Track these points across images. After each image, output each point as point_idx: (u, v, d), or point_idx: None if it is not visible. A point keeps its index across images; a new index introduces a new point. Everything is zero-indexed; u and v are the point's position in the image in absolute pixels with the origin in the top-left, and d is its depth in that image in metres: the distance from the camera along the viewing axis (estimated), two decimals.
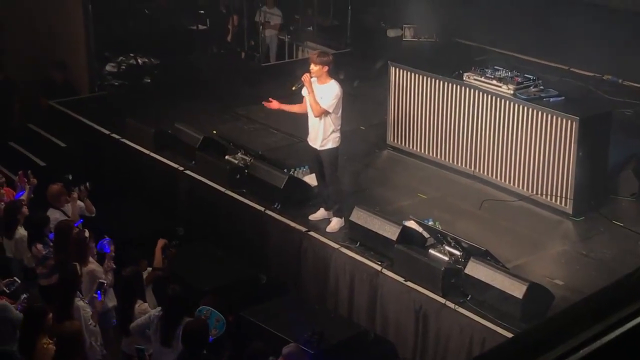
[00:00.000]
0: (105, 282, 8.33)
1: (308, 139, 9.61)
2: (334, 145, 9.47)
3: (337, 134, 9.44)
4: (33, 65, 14.07)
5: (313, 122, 9.44)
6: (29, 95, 13.86)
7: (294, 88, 9.56)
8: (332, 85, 9.36)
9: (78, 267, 7.97)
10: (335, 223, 9.65)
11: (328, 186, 9.67)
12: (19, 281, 8.34)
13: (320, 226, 9.73)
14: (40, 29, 14.17)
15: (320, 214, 9.89)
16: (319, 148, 9.47)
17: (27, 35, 14.08)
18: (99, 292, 8.17)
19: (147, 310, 8.04)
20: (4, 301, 7.79)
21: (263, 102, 10.09)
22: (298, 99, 9.71)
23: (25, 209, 9.39)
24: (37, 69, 14.10)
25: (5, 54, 14.04)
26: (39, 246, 8.84)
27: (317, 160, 9.63)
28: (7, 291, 8.13)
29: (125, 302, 8.15)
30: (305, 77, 9.29)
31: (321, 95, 9.25)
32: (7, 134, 13.60)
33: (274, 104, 9.90)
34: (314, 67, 9.28)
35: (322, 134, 9.38)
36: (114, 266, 8.60)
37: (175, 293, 7.85)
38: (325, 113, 9.29)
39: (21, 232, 9.25)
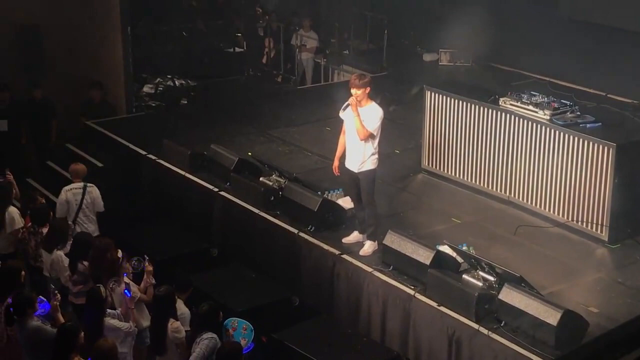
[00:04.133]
0: (131, 282, 8.41)
1: (346, 162, 9.59)
2: (373, 167, 9.45)
3: (376, 156, 9.43)
4: (72, 86, 14.25)
5: (353, 145, 9.41)
6: (67, 115, 14.04)
7: (343, 114, 9.50)
8: (375, 107, 9.36)
9: (102, 289, 8.03)
10: (369, 247, 9.64)
11: (364, 208, 9.66)
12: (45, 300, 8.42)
13: (353, 249, 9.72)
14: (80, 50, 14.37)
15: (354, 237, 9.88)
16: (357, 170, 9.46)
17: (66, 56, 14.29)
18: (126, 290, 8.24)
19: (179, 328, 8.08)
20: (38, 322, 7.86)
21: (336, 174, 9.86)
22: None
23: (70, 229, 9.55)
24: (75, 90, 14.28)
25: (44, 74, 14.24)
26: (86, 263, 8.96)
27: (354, 182, 9.62)
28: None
29: (159, 321, 8.19)
30: (352, 102, 9.25)
31: (364, 118, 9.25)
32: (45, 153, 13.77)
33: (337, 166, 9.73)
34: (357, 92, 9.23)
35: (362, 156, 9.37)
36: (154, 281, 8.66)
37: (203, 311, 7.91)
38: (371, 136, 9.29)
39: (59, 252, 9.38)
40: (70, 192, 10.52)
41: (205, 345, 7.67)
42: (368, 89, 9.27)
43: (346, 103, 9.33)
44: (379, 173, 9.87)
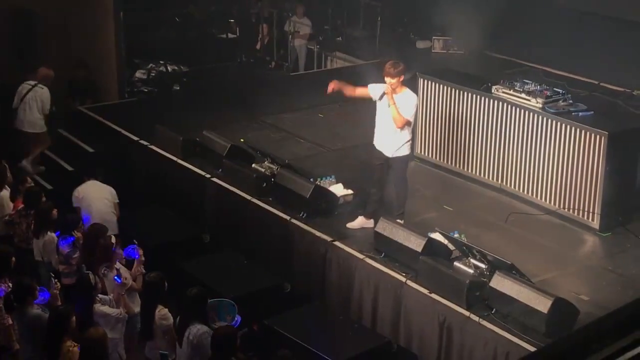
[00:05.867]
0: (121, 267, 8.40)
1: (375, 143, 9.58)
2: (407, 152, 9.54)
3: (410, 142, 9.52)
4: (65, 72, 14.20)
5: (387, 131, 9.40)
6: (59, 100, 13.98)
7: (377, 100, 9.49)
8: (409, 94, 9.39)
9: (92, 276, 8.02)
10: (357, 222, 9.69)
11: (396, 189, 9.70)
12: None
13: (356, 233, 9.75)
14: (73, 36, 14.31)
15: (358, 222, 9.90)
16: (391, 155, 9.48)
17: (59, 41, 14.23)
18: (116, 277, 8.24)
19: (167, 315, 8.07)
20: (39, 311, 7.85)
21: (327, 91, 9.79)
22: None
23: (54, 212, 9.52)
24: (68, 75, 14.23)
25: (38, 59, 14.17)
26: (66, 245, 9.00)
27: (382, 165, 9.62)
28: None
29: (147, 306, 8.20)
30: (387, 90, 9.25)
31: (400, 105, 9.26)
32: None
33: (333, 85, 9.68)
34: (391, 80, 9.23)
35: (397, 143, 9.40)
36: (144, 271, 8.65)
37: (192, 295, 7.89)
38: (407, 123, 9.30)
39: (50, 234, 9.37)
40: (23, 85, 12.65)
41: (208, 343, 7.58)
42: (402, 77, 9.29)
43: (381, 92, 9.32)
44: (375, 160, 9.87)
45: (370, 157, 9.86)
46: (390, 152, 9.48)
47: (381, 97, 9.37)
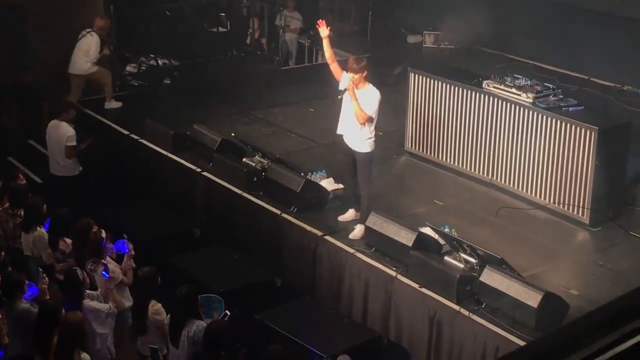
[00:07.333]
0: (108, 263, 8.38)
1: (343, 136, 9.56)
2: (370, 150, 9.48)
3: (373, 139, 9.45)
4: (57, 67, 14.12)
5: (351, 125, 9.39)
6: (55, 96, 13.91)
7: (340, 97, 9.48)
8: (372, 90, 9.36)
9: (79, 272, 8.00)
10: (359, 230, 9.58)
11: (361, 189, 9.66)
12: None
13: (347, 227, 9.73)
14: (63, 30, 14.24)
15: (350, 215, 9.89)
16: (355, 150, 9.48)
17: (50, 36, 14.16)
18: (104, 272, 8.22)
19: (160, 310, 8.07)
20: (27, 305, 7.83)
21: (318, 23, 10.03)
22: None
23: (44, 207, 9.48)
24: (60, 70, 14.16)
25: (27, 55, 14.11)
26: (68, 241, 8.94)
27: (351, 158, 9.61)
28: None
29: (140, 301, 8.19)
30: (349, 86, 9.23)
31: (362, 101, 9.24)
32: (29, 134, 13.66)
33: (325, 29, 9.79)
34: (354, 76, 9.22)
35: (359, 138, 9.39)
36: (134, 265, 8.64)
37: (182, 294, 7.86)
38: (369, 119, 9.28)
39: (40, 229, 9.33)
40: (82, 32, 13.26)
41: None
42: (365, 73, 9.27)
43: (343, 86, 9.30)
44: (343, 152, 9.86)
45: (340, 149, 9.84)
46: (353, 146, 9.48)
47: (345, 89, 9.36)
